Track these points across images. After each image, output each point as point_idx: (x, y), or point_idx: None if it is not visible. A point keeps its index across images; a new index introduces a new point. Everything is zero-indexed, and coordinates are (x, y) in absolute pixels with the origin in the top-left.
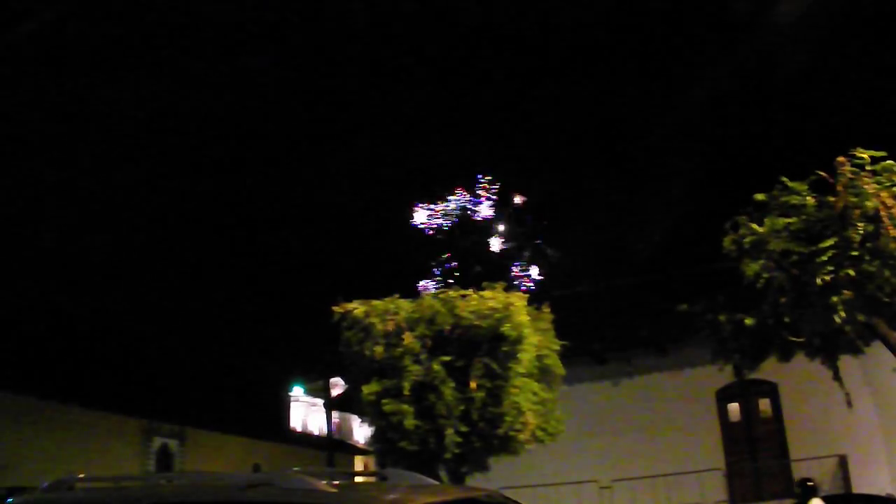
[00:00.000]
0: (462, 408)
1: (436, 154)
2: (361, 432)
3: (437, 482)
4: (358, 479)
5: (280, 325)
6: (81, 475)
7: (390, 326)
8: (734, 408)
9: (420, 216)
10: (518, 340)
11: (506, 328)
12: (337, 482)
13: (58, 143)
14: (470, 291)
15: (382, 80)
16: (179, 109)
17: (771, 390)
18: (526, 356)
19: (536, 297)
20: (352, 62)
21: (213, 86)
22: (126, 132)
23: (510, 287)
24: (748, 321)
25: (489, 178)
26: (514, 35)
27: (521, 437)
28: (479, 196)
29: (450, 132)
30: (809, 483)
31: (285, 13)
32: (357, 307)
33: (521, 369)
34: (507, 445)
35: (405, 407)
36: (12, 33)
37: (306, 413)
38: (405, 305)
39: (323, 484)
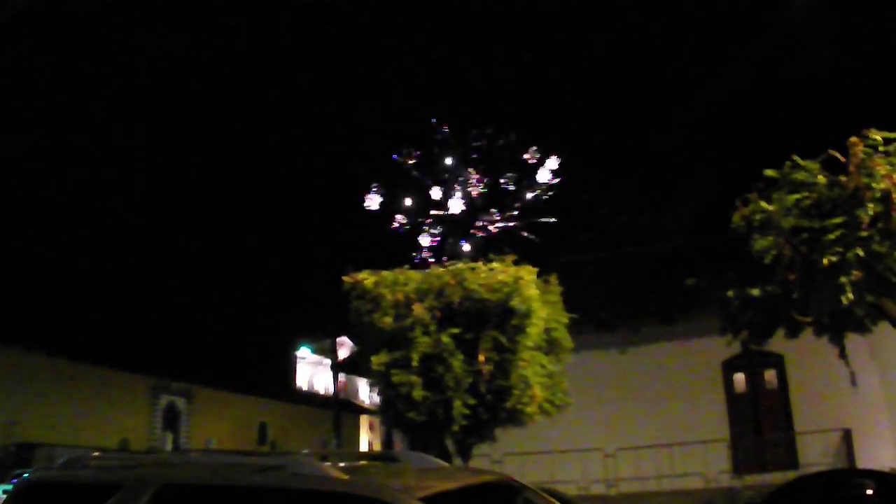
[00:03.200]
0: (470, 380)
1: (450, 116)
2: (367, 392)
3: (446, 463)
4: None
5: (288, 286)
6: (96, 453)
7: (400, 297)
8: (740, 379)
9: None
10: (527, 314)
11: (515, 302)
12: (346, 464)
13: (74, 103)
14: (479, 264)
15: (406, 40)
16: (189, 66)
17: (777, 362)
18: (534, 330)
19: (545, 267)
20: (365, 14)
21: (227, 39)
22: (134, 92)
23: (519, 260)
24: (755, 292)
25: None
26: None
27: (529, 409)
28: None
29: (463, 92)
30: None
31: None
32: (367, 277)
33: (529, 343)
34: (514, 417)
35: (413, 378)
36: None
37: (312, 372)
38: (415, 277)
39: (334, 469)
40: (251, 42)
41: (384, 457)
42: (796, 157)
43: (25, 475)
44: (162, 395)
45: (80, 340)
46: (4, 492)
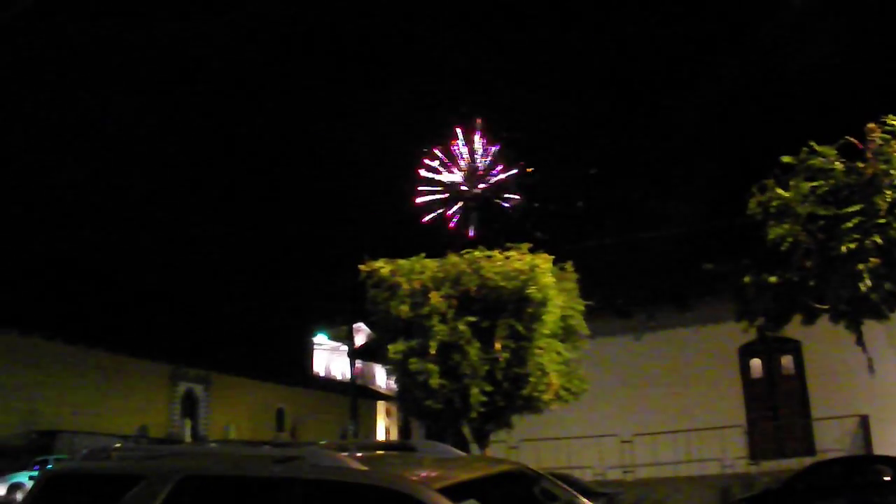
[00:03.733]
0: (487, 368)
1: (467, 109)
2: (384, 378)
3: (463, 453)
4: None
5: (305, 272)
6: (118, 444)
7: (416, 286)
8: (756, 364)
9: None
10: (543, 302)
11: (531, 290)
12: (364, 454)
13: (92, 93)
14: (495, 252)
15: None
16: (204, 58)
17: (794, 348)
18: (550, 318)
19: (561, 255)
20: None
21: (237, 30)
22: (149, 80)
23: (535, 248)
24: (772, 279)
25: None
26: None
27: (545, 396)
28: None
29: (476, 84)
30: None
31: None
32: (383, 266)
33: (545, 330)
34: (530, 405)
35: (430, 366)
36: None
37: (329, 358)
38: (431, 265)
39: (352, 460)
40: (270, 32)
41: (401, 446)
42: (813, 143)
43: (48, 462)
44: (180, 381)
45: (99, 328)
46: (30, 478)
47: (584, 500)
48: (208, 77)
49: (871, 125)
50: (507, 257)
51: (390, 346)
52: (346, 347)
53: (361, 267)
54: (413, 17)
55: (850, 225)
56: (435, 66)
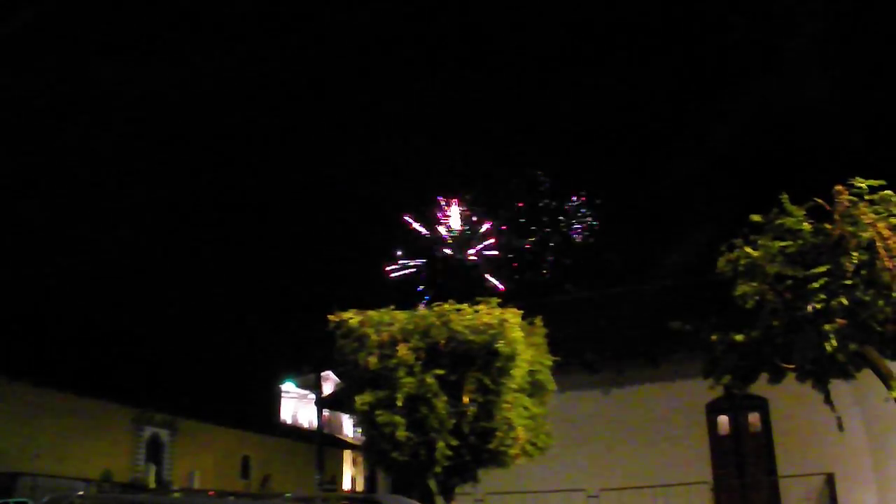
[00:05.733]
0: (454, 421)
1: (436, 158)
2: (351, 427)
3: None
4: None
5: (273, 319)
6: (80, 492)
7: (385, 337)
8: (724, 421)
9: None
10: (511, 357)
11: (500, 345)
12: None
13: (54, 131)
14: (465, 306)
15: (391, 80)
16: (174, 110)
17: (761, 405)
18: (518, 372)
19: (530, 309)
20: (353, 58)
21: (210, 83)
22: (124, 128)
23: (504, 303)
24: (739, 337)
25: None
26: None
27: (512, 451)
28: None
29: (447, 136)
30: None
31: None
32: (352, 316)
33: (513, 385)
34: (497, 459)
35: (397, 418)
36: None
37: (296, 407)
38: (400, 317)
39: None
40: (257, 81)
41: (367, 500)
42: (784, 198)
43: None
44: (146, 426)
45: (63, 370)
46: None
47: None
48: (182, 131)
49: (838, 187)
50: (477, 311)
51: (357, 397)
52: (313, 396)
53: (330, 317)
54: (405, 75)
55: (816, 285)
56: (407, 118)
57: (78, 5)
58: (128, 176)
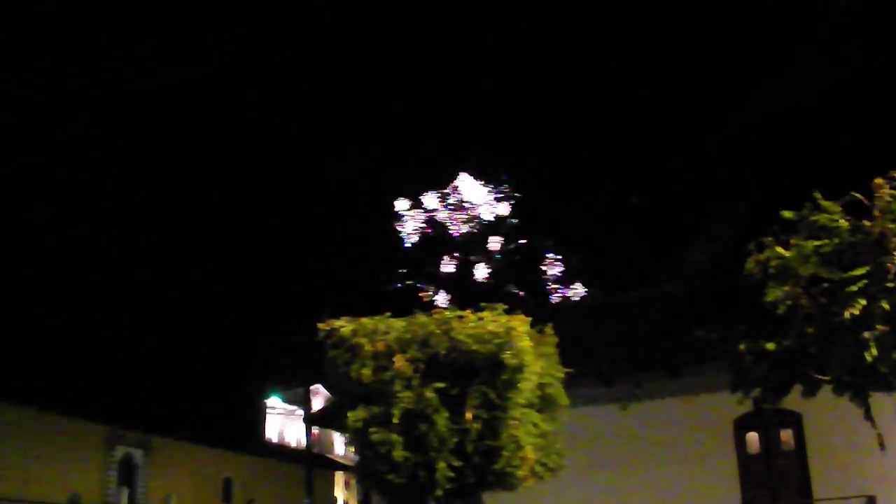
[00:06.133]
0: (456, 440)
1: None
2: (343, 446)
3: None
4: None
5: (257, 328)
6: None
7: (380, 347)
8: (753, 438)
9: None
10: (519, 369)
11: (506, 355)
12: None
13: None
14: (467, 312)
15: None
16: (158, 116)
17: (794, 421)
18: (527, 385)
19: (539, 316)
20: (340, 61)
21: (198, 86)
22: (110, 129)
23: (511, 309)
24: (770, 346)
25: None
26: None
27: (520, 472)
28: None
29: (446, 136)
30: None
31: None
32: (344, 325)
33: (521, 399)
34: (503, 481)
35: (394, 437)
36: None
37: (283, 424)
38: (396, 325)
39: None
40: (240, 82)
41: None
42: (818, 194)
43: None
44: (117, 445)
45: (27, 383)
46: None
47: None
48: (166, 133)
49: (878, 180)
50: (481, 318)
51: (350, 414)
52: (301, 412)
53: (320, 325)
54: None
55: (854, 289)
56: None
57: (78, 5)
58: (105, 179)
